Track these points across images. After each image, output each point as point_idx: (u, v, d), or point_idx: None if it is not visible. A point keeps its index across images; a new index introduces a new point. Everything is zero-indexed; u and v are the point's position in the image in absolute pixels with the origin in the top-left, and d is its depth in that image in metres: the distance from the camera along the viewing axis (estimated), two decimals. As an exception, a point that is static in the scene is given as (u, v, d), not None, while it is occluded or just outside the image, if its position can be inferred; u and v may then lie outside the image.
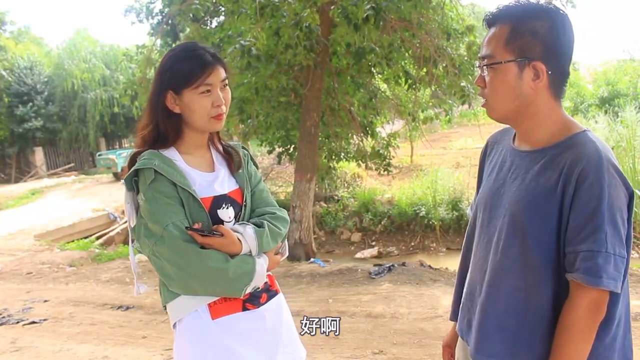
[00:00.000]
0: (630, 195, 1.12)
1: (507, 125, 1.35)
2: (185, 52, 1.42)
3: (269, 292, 1.56)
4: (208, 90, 1.40)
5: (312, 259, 6.75)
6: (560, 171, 1.13)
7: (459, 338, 1.46)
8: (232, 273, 1.36)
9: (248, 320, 1.46)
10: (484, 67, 1.22)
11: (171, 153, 1.47)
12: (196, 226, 1.38)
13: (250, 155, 1.66)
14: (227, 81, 1.46)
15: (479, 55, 1.26)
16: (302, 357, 1.62)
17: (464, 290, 1.41)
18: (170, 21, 8.30)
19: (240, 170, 1.55)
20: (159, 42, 9.34)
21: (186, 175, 1.43)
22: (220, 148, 1.57)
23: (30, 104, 21.33)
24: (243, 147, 1.65)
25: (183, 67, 1.39)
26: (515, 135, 1.33)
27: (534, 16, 1.17)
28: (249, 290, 1.41)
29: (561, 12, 1.18)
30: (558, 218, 1.14)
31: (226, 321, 1.42)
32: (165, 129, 1.45)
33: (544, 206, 1.15)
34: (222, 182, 1.50)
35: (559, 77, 1.19)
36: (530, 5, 1.19)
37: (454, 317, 1.51)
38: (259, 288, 1.47)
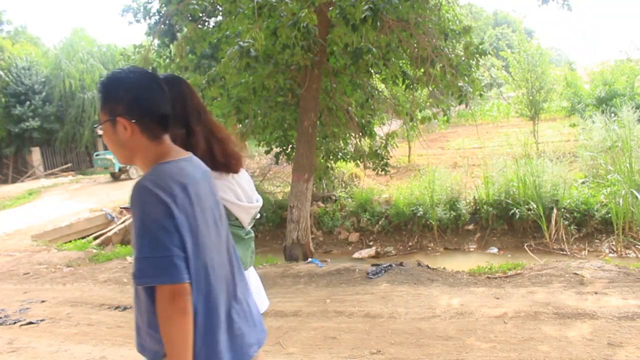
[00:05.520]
0: (168, 206, 1.36)
1: None
2: None
3: None
4: None
5: (309, 259, 6.74)
6: None
7: None
8: None
9: None
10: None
11: None
12: None
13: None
14: None
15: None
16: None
17: None
18: (167, 21, 8.28)
19: None
20: (156, 42, 9.31)
21: None
22: None
23: (28, 103, 21.27)
24: None
25: None
26: None
27: (117, 84, 1.48)
28: None
29: (145, 75, 1.50)
30: None
31: None
32: None
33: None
34: None
35: (148, 123, 1.48)
36: (116, 76, 1.49)
37: None
38: None
